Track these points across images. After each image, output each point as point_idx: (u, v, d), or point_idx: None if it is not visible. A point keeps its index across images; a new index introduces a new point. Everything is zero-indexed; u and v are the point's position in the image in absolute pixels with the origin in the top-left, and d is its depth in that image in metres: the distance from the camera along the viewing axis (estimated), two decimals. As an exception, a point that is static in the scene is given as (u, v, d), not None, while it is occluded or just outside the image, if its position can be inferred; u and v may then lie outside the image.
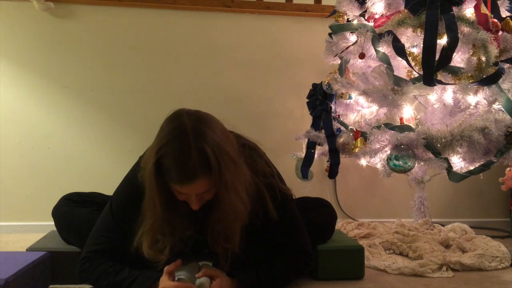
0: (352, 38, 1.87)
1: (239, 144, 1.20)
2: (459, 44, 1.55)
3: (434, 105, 1.72)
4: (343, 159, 1.90)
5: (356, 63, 1.88)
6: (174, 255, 1.17)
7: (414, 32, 1.68)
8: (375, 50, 1.71)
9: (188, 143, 1.03)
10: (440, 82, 1.58)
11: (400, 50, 1.64)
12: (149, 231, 1.14)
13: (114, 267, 1.20)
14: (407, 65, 1.67)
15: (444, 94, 1.66)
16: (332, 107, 1.98)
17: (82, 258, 1.24)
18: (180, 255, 1.19)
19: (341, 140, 1.79)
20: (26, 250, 1.36)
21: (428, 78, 1.54)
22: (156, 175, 1.06)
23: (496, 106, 1.53)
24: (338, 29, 1.90)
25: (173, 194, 1.11)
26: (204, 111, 1.15)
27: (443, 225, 2.09)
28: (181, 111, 1.11)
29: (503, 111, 1.51)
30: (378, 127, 1.62)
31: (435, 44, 1.55)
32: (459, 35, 1.56)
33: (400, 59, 1.67)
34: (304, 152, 2.02)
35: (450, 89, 1.64)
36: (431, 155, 1.55)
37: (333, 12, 2.04)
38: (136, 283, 1.15)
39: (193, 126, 1.05)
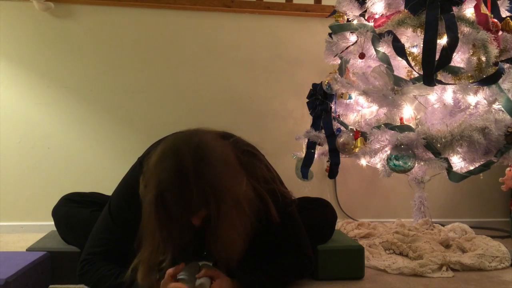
0: (352, 38, 1.87)
1: (239, 151, 1.20)
2: (459, 44, 1.55)
3: (434, 105, 1.72)
4: (343, 159, 1.90)
5: (356, 63, 1.88)
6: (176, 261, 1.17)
7: (414, 32, 1.68)
8: (375, 50, 1.71)
9: (189, 183, 1.02)
10: (440, 82, 1.58)
11: (400, 50, 1.64)
12: (145, 261, 1.12)
13: (114, 269, 1.19)
14: (407, 65, 1.67)
15: (444, 94, 1.66)
16: (332, 107, 1.97)
17: (82, 260, 1.23)
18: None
19: (341, 140, 1.79)
20: (26, 250, 1.36)
21: (428, 78, 1.54)
22: (156, 207, 1.05)
23: (496, 106, 1.53)
24: (338, 29, 1.90)
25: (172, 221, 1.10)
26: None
27: (443, 225, 2.09)
28: (180, 145, 1.07)
29: (503, 111, 1.51)
30: (378, 127, 1.62)
31: (435, 44, 1.55)
32: (459, 35, 1.56)
33: (400, 59, 1.67)
34: (304, 152, 2.02)
35: (450, 89, 1.64)
36: (431, 155, 1.55)
37: (333, 12, 2.04)
38: (136, 285, 1.15)
39: (193, 166, 1.03)
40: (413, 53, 1.70)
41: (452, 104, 1.65)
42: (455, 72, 1.59)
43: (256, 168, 1.23)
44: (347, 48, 1.89)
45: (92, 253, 1.23)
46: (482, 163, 1.56)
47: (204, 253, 1.36)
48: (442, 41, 1.59)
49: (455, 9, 1.61)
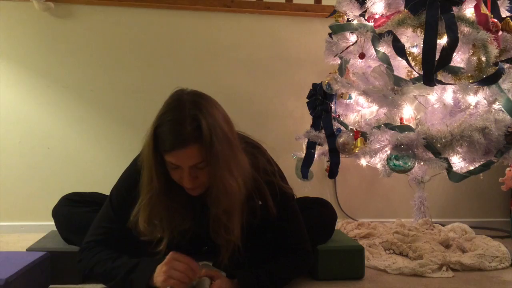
0: (352, 38, 1.87)
1: (242, 141, 1.22)
2: (459, 44, 1.55)
3: (434, 105, 1.72)
4: (343, 159, 1.90)
5: (356, 63, 1.88)
6: (173, 249, 1.18)
7: (414, 32, 1.68)
8: (375, 50, 1.71)
9: (184, 112, 1.08)
10: (440, 82, 1.58)
11: (400, 50, 1.64)
12: (146, 205, 1.15)
13: (112, 254, 1.21)
14: (407, 65, 1.67)
15: (444, 94, 1.66)
16: (332, 107, 1.97)
17: (82, 248, 1.25)
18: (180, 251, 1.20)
19: (341, 140, 1.79)
20: (26, 250, 1.36)
21: (428, 78, 1.54)
22: (153, 145, 1.09)
23: (496, 106, 1.53)
24: (338, 29, 1.90)
25: (169, 175, 1.13)
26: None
27: (443, 225, 2.09)
28: (182, 89, 1.17)
29: (503, 111, 1.51)
30: (378, 127, 1.62)
31: (435, 44, 1.55)
32: (459, 35, 1.56)
33: (400, 59, 1.67)
34: (304, 152, 2.02)
35: (450, 89, 1.64)
36: (431, 155, 1.55)
37: (333, 12, 2.04)
38: (138, 270, 1.15)
39: (191, 99, 1.12)
40: (413, 53, 1.70)
41: (452, 104, 1.65)
42: (455, 72, 1.59)
43: (258, 159, 1.25)
44: (347, 48, 1.89)
45: (92, 240, 1.25)
46: (482, 163, 1.56)
47: (205, 248, 1.36)
48: (442, 41, 1.59)
49: (455, 9, 1.61)
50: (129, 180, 1.23)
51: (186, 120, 1.07)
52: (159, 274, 1.11)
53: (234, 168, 1.12)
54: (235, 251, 1.19)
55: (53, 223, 1.46)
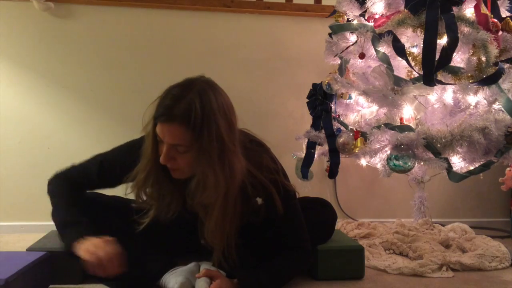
0: (352, 38, 1.87)
1: (247, 139, 1.25)
2: (459, 44, 1.55)
3: (434, 105, 1.72)
4: (343, 159, 1.90)
5: (356, 63, 1.88)
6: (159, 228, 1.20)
7: (414, 32, 1.68)
8: (375, 50, 1.71)
9: (187, 92, 1.11)
10: (440, 82, 1.58)
11: (400, 50, 1.64)
12: (143, 169, 1.19)
13: (73, 199, 1.25)
14: (407, 65, 1.66)
15: (444, 94, 1.66)
16: (332, 107, 1.97)
17: (56, 175, 1.30)
18: (181, 257, 1.21)
19: (341, 140, 1.79)
20: (26, 250, 1.36)
21: (428, 78, 1.54)
22: (154, 112, 1.14)
23: (496, 106, 1.53)
24: (338, 29, 1.90)
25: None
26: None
27: (443, 225, 2.09)
28: (203, 75, 1.20)
29: (503, 111, 1.51)
30: (378, 127, 1.62)
31: (435, 44, 1.55)
32: (459, 35, 1.56)
33: (400, 59, 1.67)
34: (304, 152, 2.02)
35: (450, 89, 1.64)
36: (431, 155, 1.55)
37: (333, 12, 2.04)
38: (71, 230, 1.19)
39: (202, 86, 1.14)
40: (413, 53, 1.70)
41: (452, 104, 1.65)
42: (455, 72, 1.59)
43: (262, 157, 1.25)
44: (347, 48, 1.89)
45: (68, 175, 1.30)
46: (482, 163, 1.56)
47: (202, 241, 1.36)
48: (442, 41, 1.59)
49: (455, 9, 1.61)
50: (128, 150, 1.29)
51: (184, 100, 1.09)
52: (87, 245, 1.13)
53: (218, 167, 1.12)
54: (225, 251, 1.19)
55: (53, 223, 1.45)
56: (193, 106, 1.08)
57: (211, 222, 1.18)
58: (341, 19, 1.98)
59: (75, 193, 1.28)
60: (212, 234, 1.19)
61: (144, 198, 1.23)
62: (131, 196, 1.28)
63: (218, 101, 1.14)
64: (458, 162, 1.61)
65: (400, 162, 1.53)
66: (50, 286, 1.32)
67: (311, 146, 1.99)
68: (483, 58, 1.58)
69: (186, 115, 1.08)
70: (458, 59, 1.63)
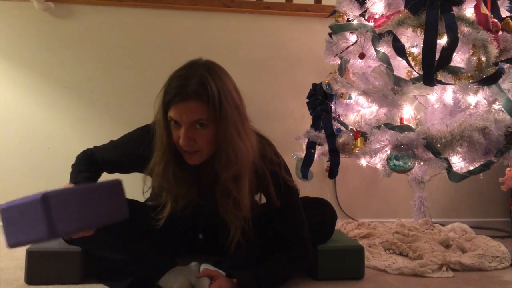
0: (352, 38, 1.87)
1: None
2: (459, 44, 1.55)
3: (434, 105, 1.72)
4: (343, 159, 1.90)
5: (356, 63, 1.88)
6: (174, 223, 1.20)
7: (414, 32, 1.68)
8: (375, 50, 1.71)
9: (193, 70, 1.12)
10: (440, 82, 1.58)
11: (400, 50, 1.64)
12: (159, 162, 1.18)
13: (85, 167, 1.35)
14: (407, 65, 1.66)
15: (444, 94, 1.66)
16: (332, 107, 1.97)
17: (85, 150, 1.44)
18: (181, 257, 1.21)
19: (341, 140, 1.79)
20: (26, 250, 1.35)
21: (428, 78, 1.54)
22: (162, 99, 1.13)
23: (496, 106, 1.53)
24: (338, 29, 1.90)
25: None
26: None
27: (443, 225, 2.09)
28: (199, 58, 1.21)
29: (503, 111, 1.51)
30: (378, 127, 1.62)
31: (435, 44, 1.55)
32: (459, 35, 1.56)
33: (400, 59, 1.67)
34: (304, 152, 2.02)
35: (450, 89, 1.64)
36: (431, 155, 1.55)
37: (333, 12, 2.04)
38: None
39: (205, 63, 1.16)
40: (413, 53, 1.70)
41: (452, 104, 1.65)
42: (455, 72, 1.59)
43: (265, 149, 1.27)
44: (347, 48, 1.89)
45: (94, 151, 1.43)
46: (482, 163, 1.56)
47: (199, 236, 1.37)
48: (442, 41, 1.59)
49: (455, 9, 1.61)
50: (143, 133, 1.31)
51: (194, 77, 1.10)
52: None
53: (242, 132, 1.14)
54: (245, 227, 1.19)
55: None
56: (205, 80, 1.10)
57: (240, 193, 1.17)
58: (341, 19, 1.98)
59: (89, 166, 1.36)
60: (237, 207, 1.18)
61: (164, 188, 1.22)
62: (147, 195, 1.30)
63: (225, 74, 1.19)
64: (458, 162, 1.61)
65: (400, 162, 1.53)
66: (50, 286, 1.31)
67: (311, 146, 1.99)
68: (483, 58, 1.58)
69: (201, 90, 1.09)
70: (458, 59, 1.63)
